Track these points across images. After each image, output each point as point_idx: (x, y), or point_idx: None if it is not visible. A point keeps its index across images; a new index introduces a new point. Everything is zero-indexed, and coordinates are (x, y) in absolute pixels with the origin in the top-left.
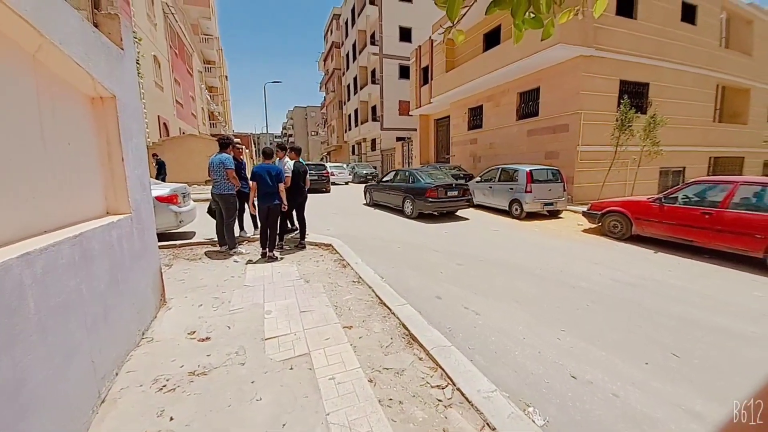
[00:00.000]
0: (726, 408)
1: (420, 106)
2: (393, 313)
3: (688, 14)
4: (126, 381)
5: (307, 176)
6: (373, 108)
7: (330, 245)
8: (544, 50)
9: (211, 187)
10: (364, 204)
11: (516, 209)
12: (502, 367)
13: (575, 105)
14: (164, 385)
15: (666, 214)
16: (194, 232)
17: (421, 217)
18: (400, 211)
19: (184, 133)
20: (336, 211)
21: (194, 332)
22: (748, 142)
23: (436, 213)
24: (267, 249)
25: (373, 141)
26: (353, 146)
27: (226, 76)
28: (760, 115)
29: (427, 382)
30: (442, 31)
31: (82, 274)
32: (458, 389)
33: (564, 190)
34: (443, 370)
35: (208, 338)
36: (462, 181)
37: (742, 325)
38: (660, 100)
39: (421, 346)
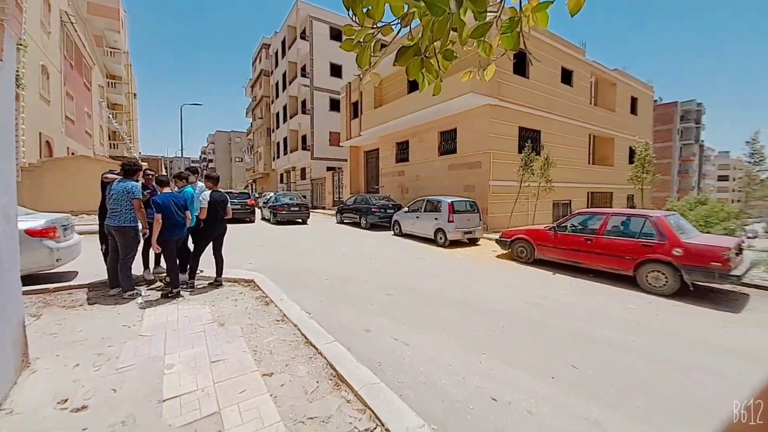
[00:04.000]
0: (618, 413)
1: (350, 138)
2: (320, 353)
3: (567, 77)
4: None
5: (228, 206)
6: (303, 137)
7: (251, 281)
8: (458, 97)
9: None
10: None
11: (441, 238)
12: (430, 399)
13: (486, 145)
14: None
15: (559, 240)
16: (76, 272)
17: (348, 244)
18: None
19: (73, 153)
20: (262, 243)
21: (66, 400)
22: (615, 180)
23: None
24: (172, 286)
25: (303, 170)
26: (282, 174)
27: (135, 94)
28: (623, 159)
29: (355, 427)
30: (359, 72)
31: None
32: (387, 429)
33: (480, 220)
34: (371, 411)
35: (84, 407)
36: (391, 211)
37: (622, 335)
38: (550, 144)
39: (350, 386)
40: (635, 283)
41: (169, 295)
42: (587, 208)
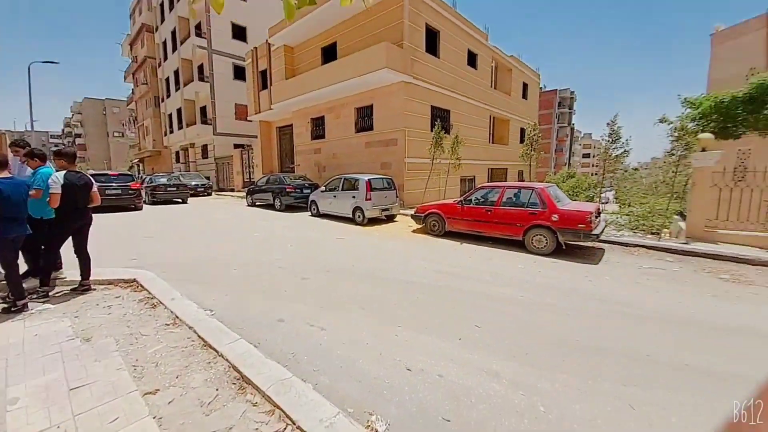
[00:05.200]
0: (513, 362)
1: (260, 112)
2: (221, 355)
3: (472, 60)
4: None
5: (94, 191)
6: (203, 109)
7: (133, 281)
8: (374, 72)
9: None
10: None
11: (359, 216)
12: (347, 381)
13: (401, 123)
14: None
15: (465, 212)
16: None
17: (261, 228)
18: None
19: None
20: (154, 232)
21: None
22: (509, 157)
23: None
24: (16, 297)
25: (205, 147)
26: (177, 152)
27: None
28: (516, 138)
29: None
30: None
31: None
32: (298, 427)
33: (397, 197)
34: (281, 410)
35: None
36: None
37: (514, 291)
38: (459, 124)
39: (256, 387)
40: (524, 246)
41: (12, 309)
42: (488, 182)
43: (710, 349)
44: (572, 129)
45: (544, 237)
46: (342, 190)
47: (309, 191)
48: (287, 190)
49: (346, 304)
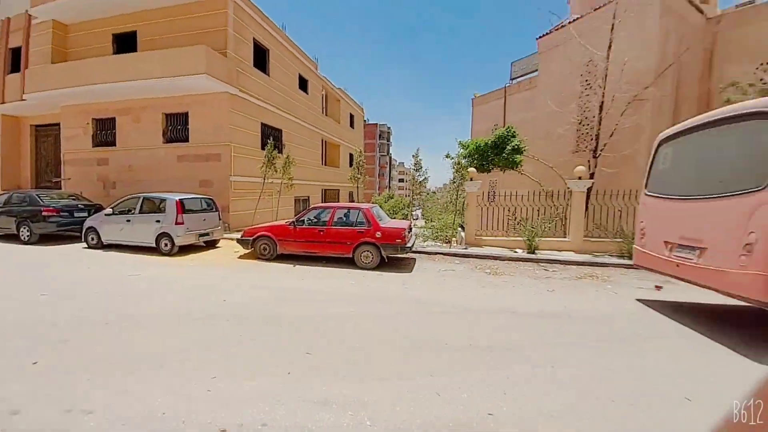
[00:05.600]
0: (340, 383)
1: (3, 102)
2: None
3: (303, 85)
4: None
5: None
6: None
7: None
8: (189, 76)
9: None
10: None
11: (166, 245)
12: None
13: (226, 137)
14: None
15: (298, 233)
16: None
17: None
18: None
19: None
20: None
21: None
22: (340, 179)
23: None
24: None
25: None
26: None
27: None
28: (346, 162)
29: None
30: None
31: None
32: None
33: (220, 219)
34: None
35: None
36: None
37: (347, 308)
38: (291, 144)
39: None
40: (354, 262)
41: None
42: (321, 203)
43: (484, 329)
44: (390, 157)
45: (371, 253)
46: (141, 212)
47: (85, 215)
48: (43, 213)
49: (131, 367)
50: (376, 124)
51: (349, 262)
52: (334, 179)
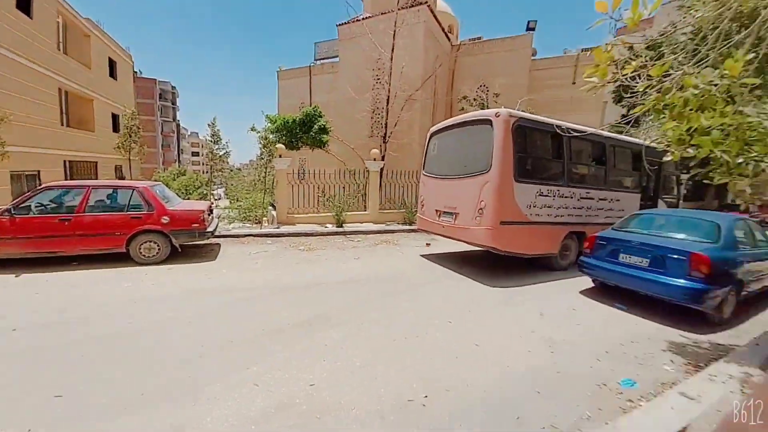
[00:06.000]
0: (120, 418)
1: None
2: None
3: (24, 3)
4: None
5: None
6: None
7: None
8: None
9: None
10: None
11: None
12: None
13: None
14: None
15: (20, 227)
16: None
17: None
18: None
19: None
20: None
21: None
22: (99, 148)
23: None
24: None
25: None
26: None
27: None
28: (106, 125)
29: None
30: None
31: None
32: None
33: None
34: None
35: None
36: None
37: (123, 320)
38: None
39: None
40: (130, 258)
41: None
42: (65, 180)
43: (304, 303)
44: (178, 125)
45: (156, 243)
46: None
47: None
48: None
49: None
50: (155, 79)
51: (123, 258)
52: (88, 147)
